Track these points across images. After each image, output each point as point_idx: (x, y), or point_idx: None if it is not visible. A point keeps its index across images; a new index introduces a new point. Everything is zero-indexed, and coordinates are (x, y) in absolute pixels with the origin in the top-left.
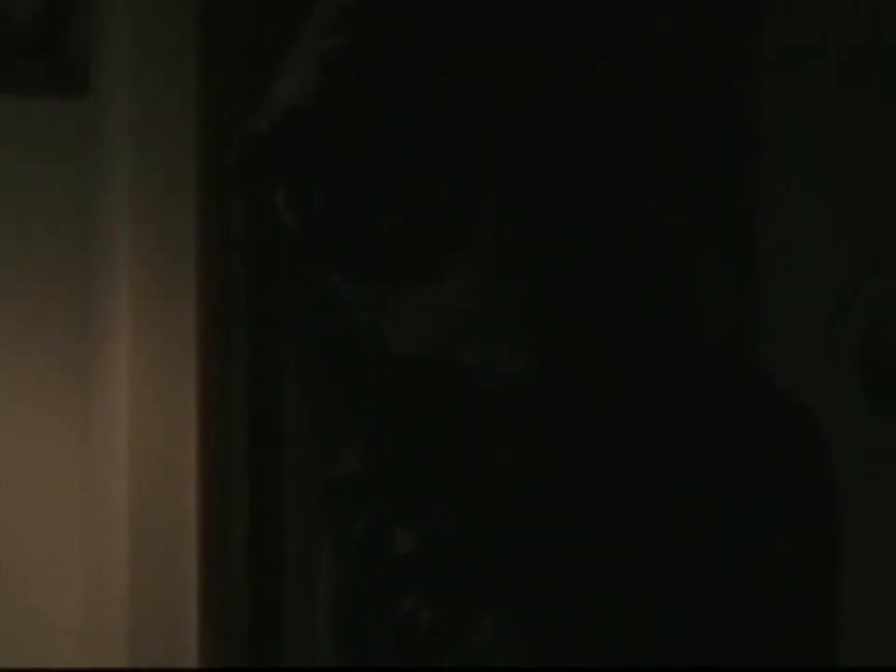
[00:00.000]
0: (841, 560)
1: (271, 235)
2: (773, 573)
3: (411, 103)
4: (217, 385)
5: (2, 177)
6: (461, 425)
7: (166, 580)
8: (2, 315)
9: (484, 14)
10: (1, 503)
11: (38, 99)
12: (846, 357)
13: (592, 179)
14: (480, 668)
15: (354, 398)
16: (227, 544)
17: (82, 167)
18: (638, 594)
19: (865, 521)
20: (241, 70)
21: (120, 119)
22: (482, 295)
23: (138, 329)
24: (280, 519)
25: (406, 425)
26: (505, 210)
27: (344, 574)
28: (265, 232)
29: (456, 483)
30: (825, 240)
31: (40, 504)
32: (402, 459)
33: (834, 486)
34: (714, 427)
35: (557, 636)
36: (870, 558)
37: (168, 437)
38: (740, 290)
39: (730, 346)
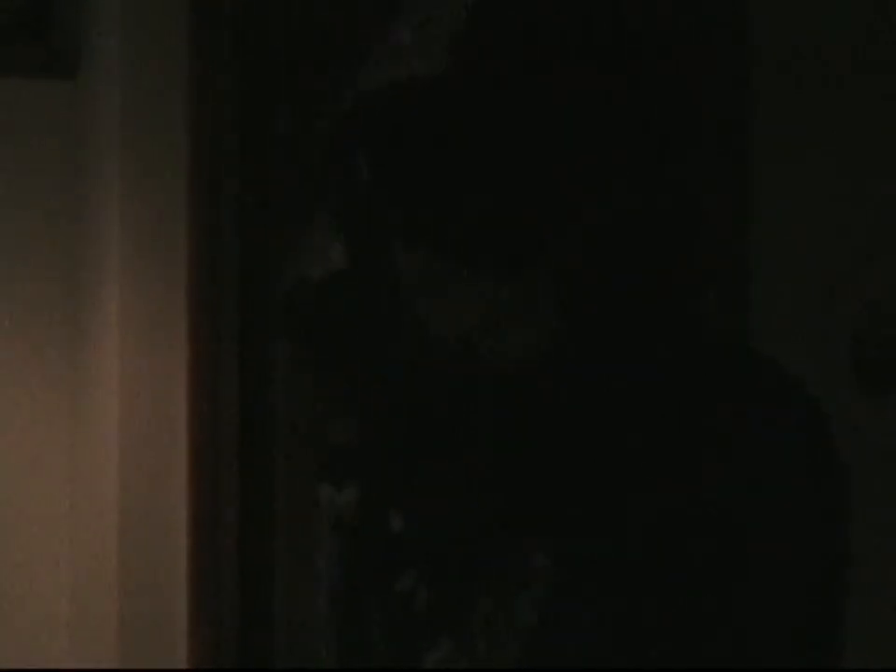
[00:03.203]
0: (851, 561)
1: (266, 216)
2: (780, 571)
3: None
4: (208, 373)
5: None
6: (465, 404)
7: (156, 568)
8: None
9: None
10: None
11: (27, 80)
12: (839, 348)
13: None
14: (471, 670)
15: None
16: (217, 532)
17: (71, 149)
18: (641, 578)
19: (858, 513)
20: (232, 50)
21: (110, 100)
22: (511, 283)
23: (128, 316)
24: (270, 507)
25: (408, 402)
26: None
27: (339, 552)
28: (258, 214)
29: (455, 461)
30: (821, 229)
31: (28, 495)
32: (400, 436)
33: (846, 483)
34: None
35: (557, 618)
36: (862, 550)
37: (158, 425)
38: (734, 279)
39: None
